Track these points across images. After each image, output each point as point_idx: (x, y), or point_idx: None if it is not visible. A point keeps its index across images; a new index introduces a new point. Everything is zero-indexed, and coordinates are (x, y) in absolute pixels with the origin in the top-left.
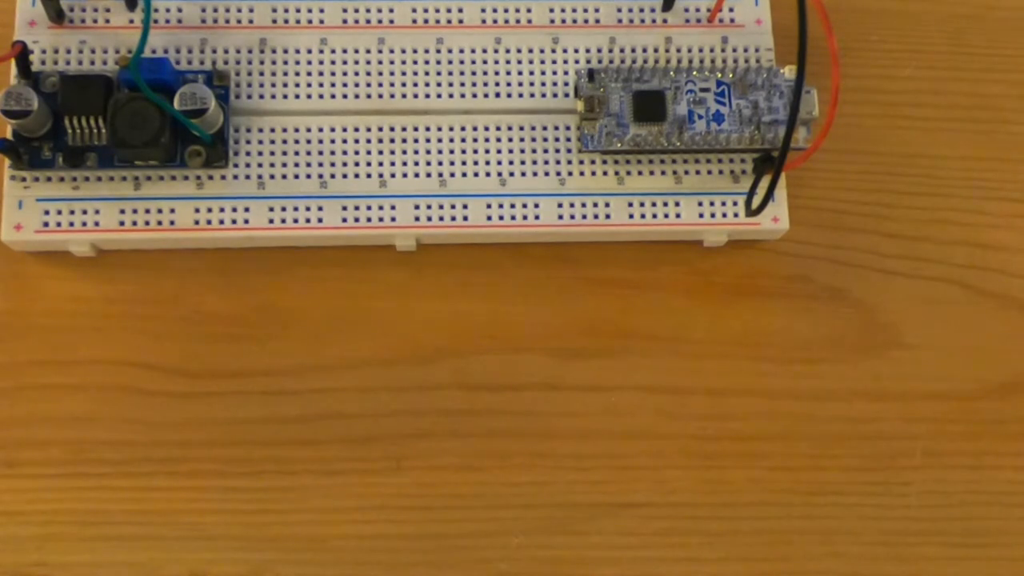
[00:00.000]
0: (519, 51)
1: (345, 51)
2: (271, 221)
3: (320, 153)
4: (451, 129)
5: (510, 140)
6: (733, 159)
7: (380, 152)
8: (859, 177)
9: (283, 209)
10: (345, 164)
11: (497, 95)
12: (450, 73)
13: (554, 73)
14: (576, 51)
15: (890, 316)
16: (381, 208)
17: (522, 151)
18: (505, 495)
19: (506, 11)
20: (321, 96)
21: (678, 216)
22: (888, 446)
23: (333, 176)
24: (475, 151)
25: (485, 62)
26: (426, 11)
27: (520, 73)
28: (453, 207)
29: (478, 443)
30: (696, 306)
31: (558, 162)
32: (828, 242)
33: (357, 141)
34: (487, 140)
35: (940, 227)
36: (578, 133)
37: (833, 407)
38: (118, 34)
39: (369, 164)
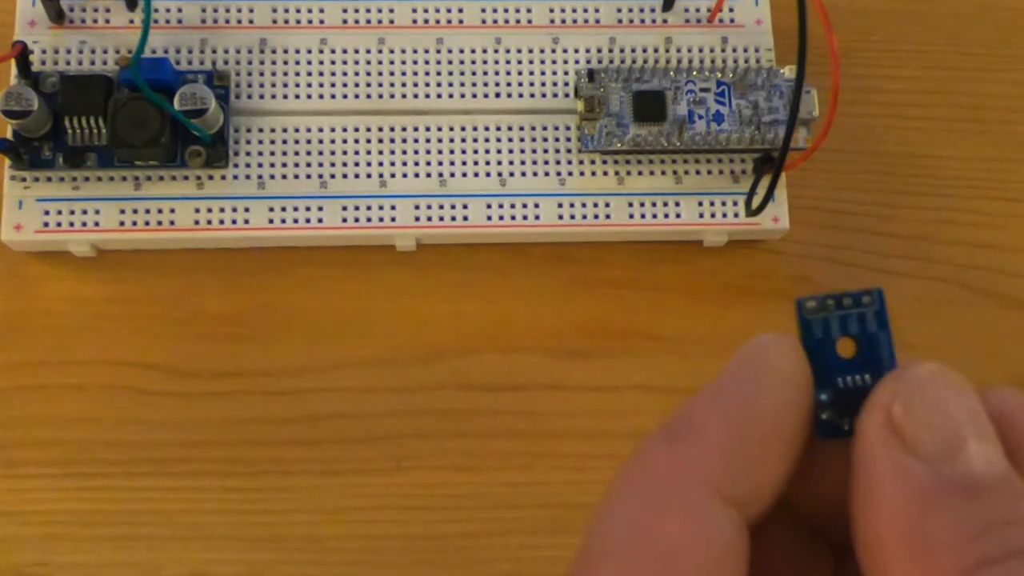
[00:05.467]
0: (519, 51)
1: (345, 51)
2: (271, 221)
3: (320, 153)
4: (451, 129)
5: (510, 140)
6: (733, 159)
7: (380, 152)
8: (859, 177)
9: (283, 209)
10: (345, 164)
11: (497, 95)
12: (450, 73)
13: (554, 73)
14: (576, 51)
15: (890, 316)
16: (381, 208)
17: (522, 151)
18: (505, 495)
19: (506, 11)
20: (321, 96)
21: (678, 216)
22: None
23: (333, 176)
24: (475, 151)
25: (485, 62)
26: (426, 11)
27: (520, 73)
28: (453, 207)
29: (478, 443)
30: (696, 306)
31: (558, 162)
32: (828, 242)
33: (357, 141)
34: (487, 140)
35: (940, 227)
36: (578, 133)
37: None
38: (118, 34)
39: (369, 164)
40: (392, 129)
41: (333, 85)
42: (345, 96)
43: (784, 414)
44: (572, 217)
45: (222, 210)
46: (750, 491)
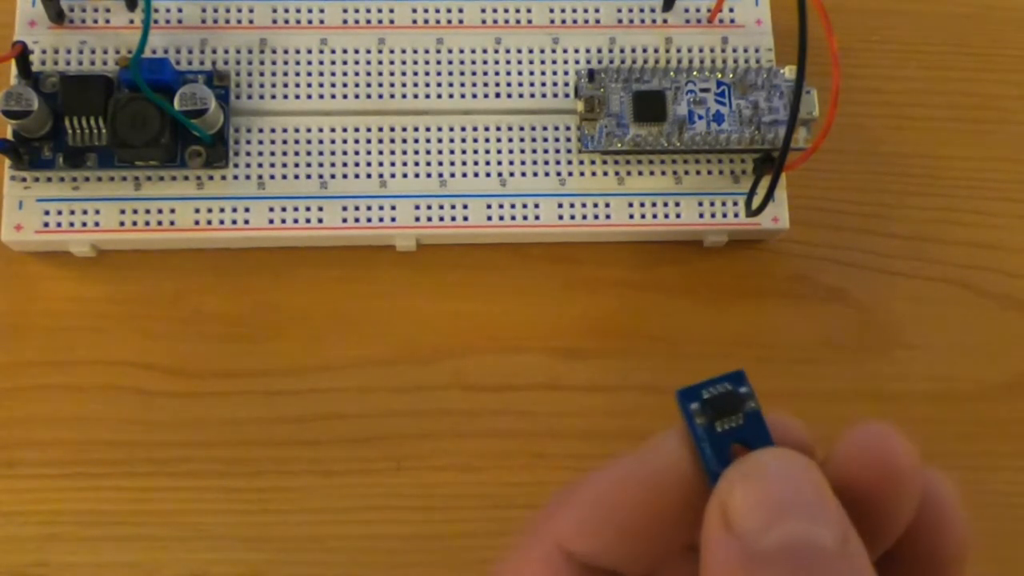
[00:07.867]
0: (519, 51)
1: (345, 51)
2: (271, 221)
3: (320, 153)
4: (451, 129)
5: (510, 140)
6: (733, 159)
7: (380, 152)
8: (859, 177)
9: (283, 209)
10: (345, 164)
11: (497, 95)
12: (450, 73)
13: (554, 73)
14: (576, 51)
15: (890, 316)
16: (381, 208)
17: (522, 151)
18: (505, 495)
19: (506, 11)
20: (321, 96)
21: (678, 216)
22: None
23: (333, 176)
24: (475, 151)
25: (485, 62)
26: (426, 11)
27: (520, 73)
28: (453, 207)
29: (478, 443)
30: (696, 306)
31: (558, 162)
32: (828, 242)
33: (357, 141)
34: (487, 140)
35: (940, 227)
36: (578, 133)
37: (833, 407)
38: (118, 34)
39: (369, 164)
40: (392, 129)
41: (333, 85)
42: (345, 96)
43: (653, 498)
44: (572, 217)
45: (222, 210)
46: (613, 554)
